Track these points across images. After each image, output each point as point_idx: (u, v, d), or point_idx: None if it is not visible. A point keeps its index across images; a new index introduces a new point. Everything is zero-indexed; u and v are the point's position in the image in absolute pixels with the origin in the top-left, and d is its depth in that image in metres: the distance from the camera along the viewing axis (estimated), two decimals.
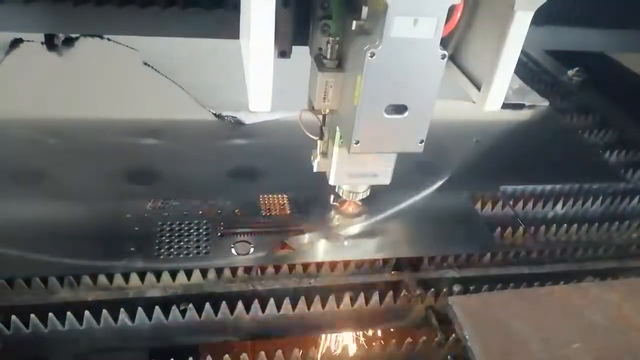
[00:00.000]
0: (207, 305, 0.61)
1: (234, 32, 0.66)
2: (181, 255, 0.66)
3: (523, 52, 1.41)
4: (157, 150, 0.87)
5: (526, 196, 0.84)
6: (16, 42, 1.11)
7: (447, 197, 0.82)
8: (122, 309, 0.60)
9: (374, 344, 0.62)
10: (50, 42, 1.11)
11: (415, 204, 0.80)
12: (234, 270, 0.66)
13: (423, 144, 0.59)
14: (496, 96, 0.59)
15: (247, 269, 0.66)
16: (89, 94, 1.00)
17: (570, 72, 1.25)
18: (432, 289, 0.66)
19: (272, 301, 0.63)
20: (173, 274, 0.64)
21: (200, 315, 0.61)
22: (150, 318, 0.61)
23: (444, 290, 0.67)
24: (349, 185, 0.71)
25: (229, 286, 0.65)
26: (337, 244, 0.71)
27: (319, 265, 0.68)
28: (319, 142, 0.68)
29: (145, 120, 0.94)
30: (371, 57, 0.51)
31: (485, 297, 0.65)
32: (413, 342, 0.63)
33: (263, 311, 0.63)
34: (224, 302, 0.62)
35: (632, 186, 0.90)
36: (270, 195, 0.77)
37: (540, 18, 0.98)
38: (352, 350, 0.61)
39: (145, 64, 1.09)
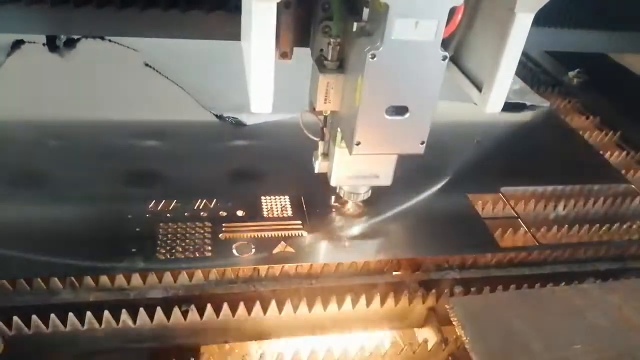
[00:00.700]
0: (209, 307, 0.61)
1: (234, 34, 0.66)
2: (183, 256, 0.66)
3: (524, 53, 1.42)
4: (159, 152, 0.87)
5: (527, 197, 0.84)
6: (18, 44, 1.11)
7: (448, 198, 0.82)
8: (123, 310, 0.60)
9: (375, 345, 0.62)
10: (51, 44, 1.12)
11: (417, 205, 0.80)
12: (235, 271, 0.66)
13: (424, 145, 0.59)
14: (497, 98, 0.59)
15: (249, 270, 0.66)
16: (90, 95, 1.00)
17: (571, 73, 1.25)
18: (434, 290, 0.67)
19: (273, 302, 0.63)
20: (175, 275, 0.64)
21: (201, 316, 0.61)
22: (151, 319, 0.61)
23: (445, 291, 0.67)
24: (349, 186, 0.71)
25: (230, 287, 0.65)
26: (339, 245, 0.71)
27: (321, 266, 0.68)
28: (320, 143, 0.68)
29: (147, 121, 0.94)
30: (372, 58, 0.51)
31: (486, 298, 0.65)
32: (414, 343, 0.63)
33: (265, 312, 0.63)
34: (225, 303, 0.62)
35: (633, 187, 0.89)
36: (271, 197, 0.77)
37: (541, 20, 0.99)
38: (354, 351, 0.61)
39: (147, 65, 1.09)
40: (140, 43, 1.13)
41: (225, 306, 0.62)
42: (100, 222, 0.70)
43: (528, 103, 1.12)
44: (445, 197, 0.82)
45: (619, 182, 0.90)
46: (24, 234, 0.68)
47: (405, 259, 0.70)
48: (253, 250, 0.68)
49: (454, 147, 0.95)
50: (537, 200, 0.83)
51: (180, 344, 0.63)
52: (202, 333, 0.63)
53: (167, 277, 0.64)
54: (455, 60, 0.66)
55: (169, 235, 0.69)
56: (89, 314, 0.59)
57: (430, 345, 0.62)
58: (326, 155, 0.69)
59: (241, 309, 0.62)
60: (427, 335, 0.66)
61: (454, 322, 0.60)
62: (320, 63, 0.60)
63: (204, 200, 0.75)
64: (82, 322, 0.59)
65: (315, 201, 0.76)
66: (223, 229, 0.71)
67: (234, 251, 0.68)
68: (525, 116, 1.10)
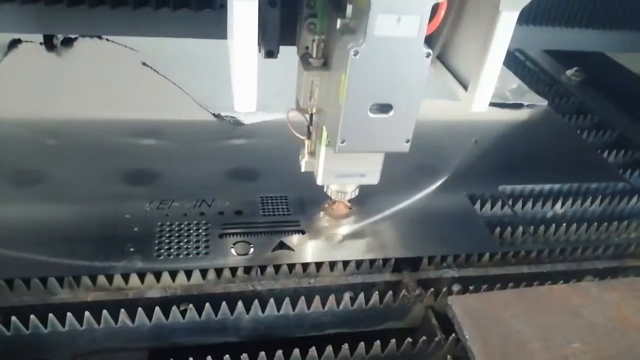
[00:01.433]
0: (207, 306, 0.61)
1: (222, 32, 0.66)
2: (181, 256, 0.66)
3: (521, 52, 1.42)
4: (156, 151, 0.87)
5: (525, 196, 0.84)
6: (15, 43, 1.11)
7: (446, 196, 0.83)
8: (122, 310, 0.60)
9: (374, 344, 0.62)
10: (49, 43, 1.11)
11: (415, 203, 0.80)
12: (233, 270, 0.66)
13: (409, 143, 0.58)
14: (483, 97, 0.59)
15: (247, 269, 0.66)
16: (88, 94, 1.00)
17: (569, 72, 1.26)
18: (432, 289, 0.67)
19: (272, 301, 0.63)
20: (173, 275, 0.64)
21: (200, 316, 0.61)
22: (150, 319, 0.61)
23: (444, 290, 0.67)
24: (337, 185, 0.71)
25: (228, 286, 0.65)
26: (337, 244, 0.71)
27: (319, 265, 0.68)
28: (306, 141, 0.68)
29: (145, 120, 0.94)
30: (355, 55, 0.51)
31: (484, 297, 0.65)
32: (413, 342, 0.63)
33: (263, 311, 0.63)
34: (224, 303, 0.62)
35: (631, 186, 0.90)
36: (269, 195, 0.77)
37: (539, 18, 0.99)
38: (352, 350, 0.61)
39: (144, 64, 1.09)
40: (137, 42, 1.13)
41: (224, 305, 0.62)
42: (98, 222, 0.70)
43: (526, 102, 1.12)
44: (444, 196, 0.82)
45: (616, 181, 0.90)
46: (22, 233, 0.68)
47: (403, 258, 0.70)
48: (251, 249, 0.68)
49: (452, 146, 0.95)
50: (536, 199, 0.84)
51: (179, 343, 0.63)
52: (201, 332, 0.63)
53: (166, 276, 0.64)
54: (441, 58, 0.66)
55: (167, 235, 0.69)
56: (87, 313, 0.59)
57: (428, 344, 0.62)
58: (313, 153, 0.69)
59: (239, 308, 0.62)
60: (426, 333, 0.66)
61: (452, 321, 0.60)
62: (305, 60, 0.60)
63: (202, 200, 0.75)
64: (80, 322, 0.59)
65: (313, 200, 0.76)
66: (221, 228, 0.71)
67: (232, 250, 0.68)
68: (523, 115, 1.10)
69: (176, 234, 0.69)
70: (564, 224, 0.78)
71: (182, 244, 0.68)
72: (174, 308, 0.61)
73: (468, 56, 0.60)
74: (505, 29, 0.55)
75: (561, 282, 0.70)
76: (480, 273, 0.71)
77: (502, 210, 0.81)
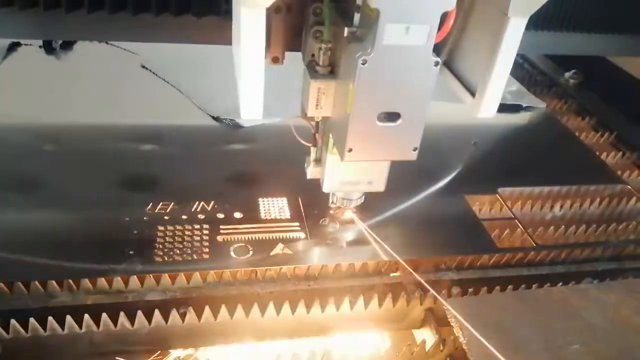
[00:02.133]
0: (207, 309, 0.61)
1: (225, 39, 0.65)
2: (180, 259, 0.66)
3: (520, 55, 1.42)
4: (156, 154, 0.87)
5: (524, 198, 0.85)
6: (14, 46, 1.11)
7: (445, 199, 0.83)
8: (121, 313, 0.60)
9: (373, 346, 0.62)
10: (48, 46, 1.11)
11: (414, 206, 0.80)
12: (233, 273, 0.66)
13: (417, 151, 0.58)
14: (490, 103, 0.59)
15: (247, 272, 0.66)
16: (87, 98, 1.00)
17: (567, 75, 1.26)
18: (431, 291, 0.67)
19: (271, 304, 0.63)
20: (172, 277, 0.64)
21: (200, 319, 0.61)
22: (149, 321, 0.61)
23: (443, 292, 0.67)
24: (342, 192, 0.71)
25: (228, 289, 0.65)
26: (336, 246, 0.71)
27: (319, 268, 0.68)
28: (312, 149, 0.68)
29: (144, 124, 0.94)
30: (363, 64, 0.51)
31: (484, 299, 0.65)
32: (412, 344, 0.63)
33: (263, 314, 0.63)
34: (223, 306, 0.62)
35: (629, 187, 0.90)
36: (269, 198, 0.77)
37: (540, 23, 0.99)
38: (352, 353, 0.61)
39: (144, 67, 1.09)
40: (137, 46, 1.13)
41: (223, 308, 0.62)
42: (97, 225, 0.70)
43: (524, 104, 1.13)
44: (443, 199, 0.82)
45: (615, 183, 0.90)
46: (21, 237, 0.68)
47: (403, 260, 0.70)
48: (251, 252, 0.68)
49: (451, 148, 0.95)
50: (534, 201, 0.84)
51: (179, 346, 0.63)
52: (201, 335, 0.63)
53: (165, 279, 0.64)
54: (448, 65, 0.66)
55: (167, 238, 0.69)
56: (86, 316, 0.59)
57: (428, 346, 0.62)
58: (318, 161, 0.69)
59: (239, 311, 0.62)
60: (425, 336, 0.66)
61: (451, 323, 0.60)
62: (311, 68, 0.59)
63: (202, 203, 0.75)
64: (80, 325, 0.59)
65: (312, 203, 0.76)
66: (221, 231, 0.71)
67: (232, 253, 0.68)
68: (521, 117, 1.10)
69: (176, 237, 0.69)
70: (563, 226, 0.78)
71: (181, 247, 0.68)
72: (174, 311, 0.61)
73: (475, 62, 0.60)
74: (513, 35, 0.55)
75: (560, 284, 0.70)
76: (480, 275, 0.71)
77: (501, 212, 0.81)
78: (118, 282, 0.63)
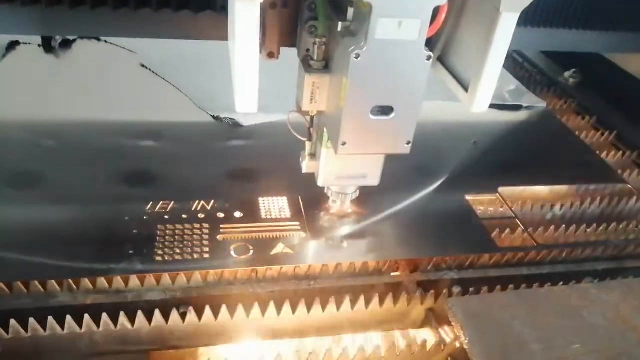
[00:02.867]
0: (207, 308, 0.61)
1: (222, 34, 0.66)
2: (181, 258, 0.66)
3: (519, 54, 1.42)
4: (156, 153, 0.87)
5: (524, 197, 0.85)
6: (13, 45, 1.10)
7: (445, 198, 0.83)
8: (121, 312, 0.60)
9: (374, 346, 0.62)
10: (47, 45, 1.11)
11: (414, 205, 0.80)
12: (233, 273, 0.66)
13: (410, 145, 0.59)
14: (483, 98, 0.59)
15: (247, 272, 0.66)
16: (86, 96, 0.99)
17: (566, 74, 1.26)
18: (432, 291, 0.67)
19: (272, 304, 0.63)
20: (173, 277, 0.64)
21: (200, 319, 0.61)
22: (150, 321, 0.60)
23: (444, 291, 0.67)
24: (337, 186, 0.71)
25: (229, 289, 0.65)
26: (337, 246, 0.71)
27: (319, 267, 0.68)
28: (307, 143, 0.68)
29: (143, 122, 0.94)
30: (356, 58, 0.52)
31: (484, 299, 0.65)
32: (413, 344, 0.63)
33: (263, 314, 0.63)
34: (224, 305, 0.62)
35: (629, 187, 0.90)
36: (269, 197, 0.77)
37: (536, 20, 0.99)
38: (353, 352, 0.61)
39: (143, 66, 1.09)
40: (136, 44, 1.13)
41: (224, 308, 0.62)
42: (97, 224, 0.70)
43: (524, 104, 1.13)
44: (443, 198, 0.82)
45: (615, 182, 0.90)
46: (21, 236, 0.67)
47: (403, 260, 0.70)
48: (251, 251, 0.68)
49: (451, 147, 0.95)
50: (535, 201, 0.84)
51: (179, 346, 0.63)
52: (201, 335, 0.63)
53: (165, 279, 0.64)
54: (442, 60, 0.66)
55: (167, 237, 0.69)
56: (86, 316, 0.59)
57: (429, 346, 0.62)
58: (313, 155, 0.69)
59: (240, 310, 0.62)
60: (426, 336, 0.66)
61: (452, 323, 0.60)
62: (306, 63, 0.60)
63: (202, 202, 0.75)
64: (80, 324, 0.59)
65: (313, 202, 0.76)
66: (221, 230, 0.71)
67: (232, 253, 0.68)
68: (521, 117, 1.10)
69: (176, 236, 0.69)
70: (563, 226, 0.78)
71: (181, 246, 0.68)
72: (174, 311, 0.61)
73: (468, 57, 0.60)
74: (505, 30, 0.55)
75: (561, 283, 0.70)
76: (480, 275, 0.71)
77: (502, 212, 0.81)
78: (118, 281, 0.63)
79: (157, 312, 0.60)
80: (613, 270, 0.75)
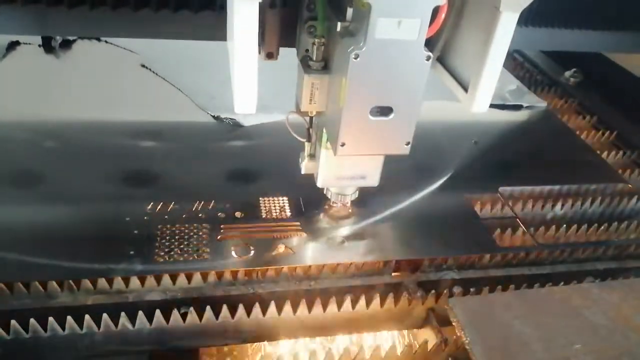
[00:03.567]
0: (208, 309, 0.61)
1: (223, 34, 0.66)
2: (181, 259, 0.66)
3: (520, 53, 1.42)
4: (156, 153, 0.87)
5: (525, 197, 0.84)
6: (13, 45, 1.10)
7: (446, 198, 0.82)
8: (122, 313, 0.60)
9: (374, 346, 0.62)
10: (47, 45, 1.11)
11: (415, 205, 0.80)
12: (234, 273, 0.66)
13: (409, 145, 0.59)
14: (483, 98, 0.59)
15: (248, 272, 0.66)
16: (86, 96, 0.99)
17: (567, 73, 1.26)
18: (433, 291, 0.67)
19: (272, 304, 0.63)
20: (173, 277, 0.64)
21: (200, 319, 0.61)
22: (150, 322, 0.60)
23: (445, 291, 0.67)
24: (336, 187, 0.71)
25: (229, 289, 0.65)
26: (338, 246, 0.71)
27: (320, 267, 0.68)
28: (306, 144, 0.68)
29: (144, 122, 0.94)
30: (355, 58, 0.51)
31: (485, 299, 0.65)
32: (414, 344, 0.63)
33: (264, 314, 0.63)
34: (224, 306, 0.62)
35: (630, 186, 0.90)
36: (269, 198, 0.77)
37: (537, 19, 0.99)
38: (353, 352, 0.61)
39: (143, 66, 1.09)
40: (136, 44, 1.13)
41: (224, 308, 0.62)
42: (97, 225, 0.70)
43: (525, 104, 1.12)
44: (443, 198, 0.82)
45: (616, 182, 0.90)
46: (21, 236, 0.67)
47: (404, 260, 0.70)
48: (252, 251, 0.68)
49: (452, 147, 0.95)
50: (535, 200, 0.84)
51: (180, 346, 0.63)
52: (202, 335, 0.63)
53: (166, 279, 0.64)
54: (442, 60, 0.66)
55: (167, 238, 0.69)
56: (87, 317, 0.59)
57: (430, 346, 0.62)
58: (313, 156, 0.69)
59: (240, 311, 0.62)
60: (427, 336, 0.66)
61: (453, 323, 0.60)
62: (305, 63, 0.60)
63: (202, 202, 0.75)
64: (80, 325, 0.59)
65: (313, 202, 0.76)
66: (221, 230, 0.71)
67: (233, 253, 0.68)
68: (522, 116, 1.10)
69: (176, 237, 0.69)
70: (564, 225, 0.78)
71: (182, 246, 0.68)
72: (175, 311, 0.61)
73: (468, 57, 0.60)
74: (505, 30, 0.55)
75: (562, 283, 0.70)
76: (481, 275, 0.71)
77: (502, 212, 0.81)
78: (118, 282, 0.63)
79: (157, 313, 0.60)
80: (614, 270, 0.75)
